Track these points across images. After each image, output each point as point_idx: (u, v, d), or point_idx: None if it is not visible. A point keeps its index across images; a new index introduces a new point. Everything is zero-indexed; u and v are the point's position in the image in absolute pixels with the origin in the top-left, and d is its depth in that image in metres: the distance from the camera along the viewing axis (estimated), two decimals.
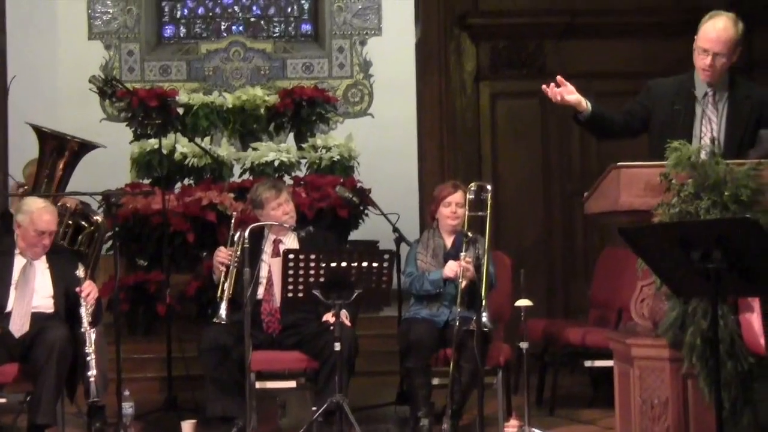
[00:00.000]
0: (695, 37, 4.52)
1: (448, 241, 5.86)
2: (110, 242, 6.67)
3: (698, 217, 3.90)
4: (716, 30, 4.45)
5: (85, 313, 5.33)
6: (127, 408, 5.54)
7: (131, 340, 7.22)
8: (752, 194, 3.93)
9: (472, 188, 5.75)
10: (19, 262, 5.50)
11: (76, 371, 5.33)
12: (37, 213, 5.44)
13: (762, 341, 3.81)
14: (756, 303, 3.82)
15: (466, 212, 5.72)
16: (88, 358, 5.22)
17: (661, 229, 3.74)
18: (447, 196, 5.85)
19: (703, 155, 4.05)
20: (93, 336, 5.29)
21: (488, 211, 5.67)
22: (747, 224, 3.45)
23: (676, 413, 4.07)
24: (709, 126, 4.48)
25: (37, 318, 5.39)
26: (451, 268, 5.65)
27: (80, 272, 5.41)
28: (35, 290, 5.46)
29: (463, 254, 5.56)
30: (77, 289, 5.37)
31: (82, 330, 5.28)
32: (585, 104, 4.57)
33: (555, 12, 8.26)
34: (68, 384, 5.39)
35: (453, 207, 5.82)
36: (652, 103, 4.65)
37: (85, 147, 6.08)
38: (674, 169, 4.03)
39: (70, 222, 5.97)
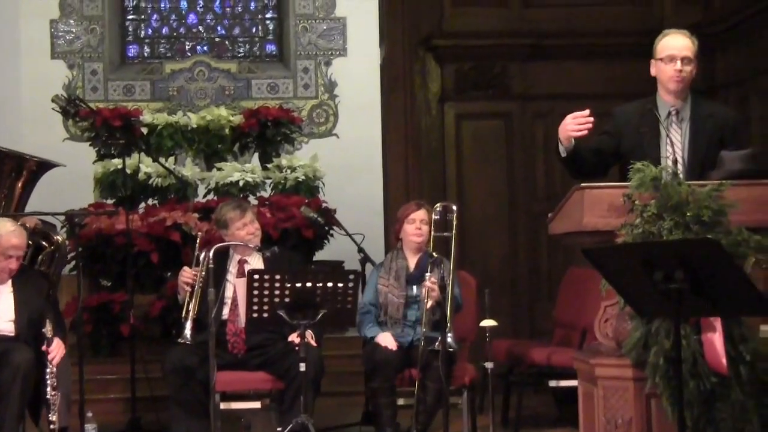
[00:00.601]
0: (654, 56, 4.55)
1: (412, 262, 5.86)
2: (73, 262, 6.61)
3: (661, 238, 3.93)
4: (677, 39, 4.52)
5: (50, 376, 5.15)
6: (90, 430, 5.49)
7: (95, 361, 7.15)
8: (714, 215, 3.97)
9: (438, 209, 5.76)
10: None
11: (40, 394, 5.24)
12: (5, 236, 5.33)
13: (724, 361, 3.84)
14: (718, 323, 3.85)
15: (432, 232, 5.73)
16: (52, 427, 5.12)
17: (624, 250, 3.76)
18: (410, 213, 5.86)
19: (665, 176, 4.08)
20: (59, 402, 5.15)
21: (453, 232, 5.68)
22: (709, 245, 3.48)
23: None
24: (672, 147, 4.51)
25: None
26: (386, 340, 5.64)
27: (48, 331, 5.21)
28: None
29: (428, 275, 5.57)
30: (44, 348, 5.20)
31: (47, 397, 5.13)
32: (571, 140, 4.54)
33: (520, 34, 8.31)
34: (32, 407, 5.32)
35: (417, 224, 5.82)
36: (618, 129, 4.65)
37: (44, 166, 6.02)
38: (637, 190, 4.06)
39: (30, 242, 5.89)
